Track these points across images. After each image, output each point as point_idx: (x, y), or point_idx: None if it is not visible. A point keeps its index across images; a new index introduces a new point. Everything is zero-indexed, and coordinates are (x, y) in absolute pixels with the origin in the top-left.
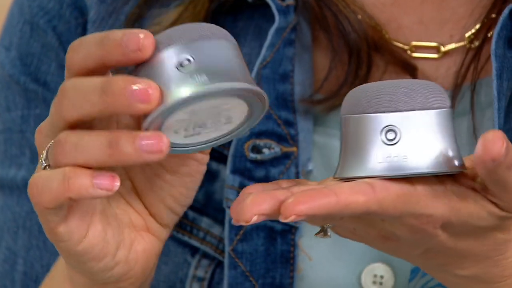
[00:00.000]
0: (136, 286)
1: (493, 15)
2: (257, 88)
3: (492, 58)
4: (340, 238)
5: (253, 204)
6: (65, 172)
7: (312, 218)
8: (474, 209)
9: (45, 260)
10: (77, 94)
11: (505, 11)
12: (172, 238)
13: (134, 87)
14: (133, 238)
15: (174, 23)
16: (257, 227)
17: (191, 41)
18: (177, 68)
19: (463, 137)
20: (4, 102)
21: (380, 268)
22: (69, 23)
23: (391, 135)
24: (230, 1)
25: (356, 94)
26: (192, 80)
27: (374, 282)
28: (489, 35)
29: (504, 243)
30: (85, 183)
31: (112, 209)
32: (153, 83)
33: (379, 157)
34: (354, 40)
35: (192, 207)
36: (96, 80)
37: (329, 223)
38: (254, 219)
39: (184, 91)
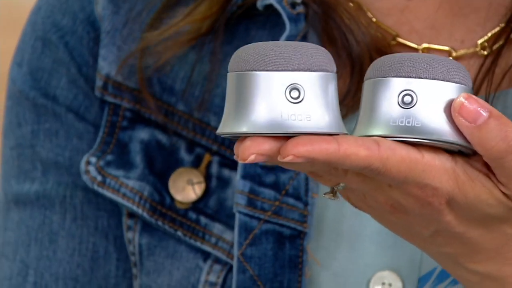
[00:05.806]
0: None
1: (504, 24)
2: None
3: None
4: (349, 245)
5: (253, 143)
6: None
7: (311, 162)
8: (482, 192)
9: (53, 269)
10: None
11: None
12: (184, 243)
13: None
14: None
15: (187, 16)
16: (266, 232)
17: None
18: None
19: None
20: (15, 119)
21: (388, 276)
22: (81, 38)
23: (407, 99)
24: (243, 6)
25: (381, 60)
26: None
27: None
28: (500, 43)
29: None
30: None
31: None
32: None
33: (394, 119)
34: (357, 53)
35: (204, 213)
36: None
37: (335, 179)
38: (251, 158)
39: None
